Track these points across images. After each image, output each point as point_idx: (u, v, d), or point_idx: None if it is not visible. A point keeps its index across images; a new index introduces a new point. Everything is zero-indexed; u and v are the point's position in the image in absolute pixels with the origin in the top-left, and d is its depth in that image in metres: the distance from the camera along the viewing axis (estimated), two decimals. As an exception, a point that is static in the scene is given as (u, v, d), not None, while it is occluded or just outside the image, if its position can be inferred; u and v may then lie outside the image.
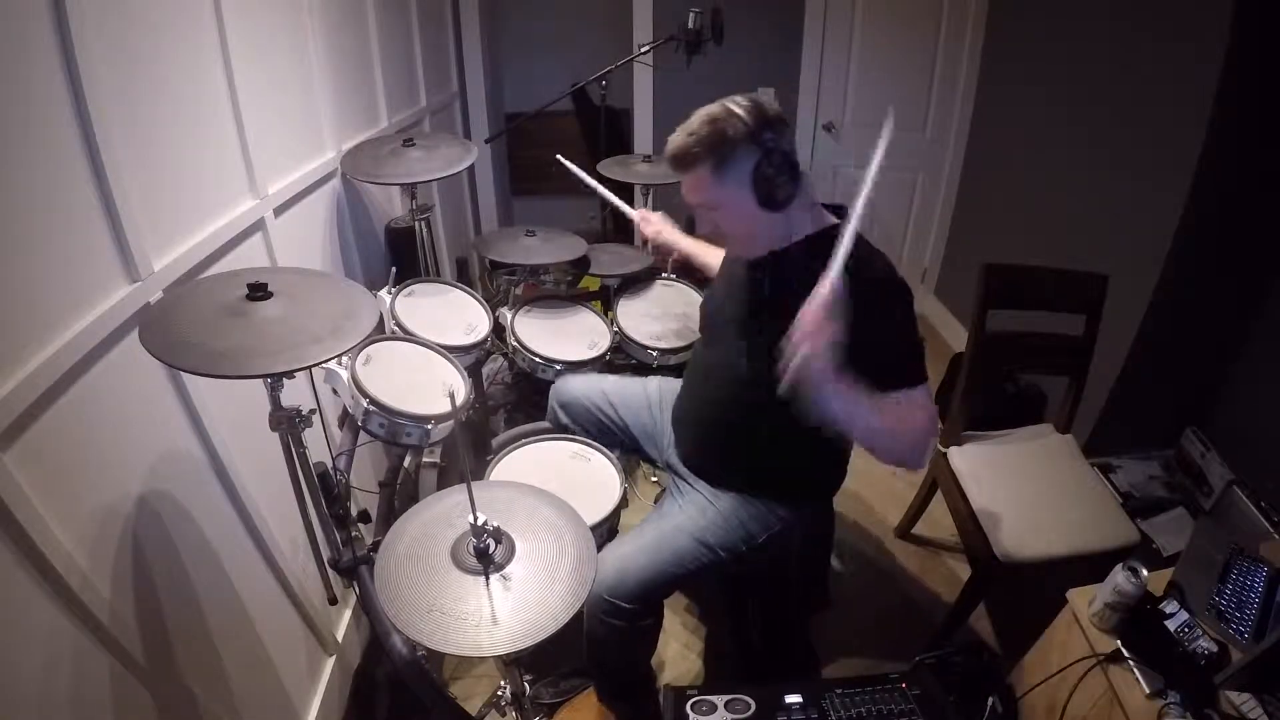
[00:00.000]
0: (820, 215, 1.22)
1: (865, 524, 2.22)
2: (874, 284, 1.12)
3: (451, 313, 1.73)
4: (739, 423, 1.32)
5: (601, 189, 1.88)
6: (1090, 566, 1.40)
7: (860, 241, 1.18)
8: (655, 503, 1.55)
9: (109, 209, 0.96)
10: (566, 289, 2.21)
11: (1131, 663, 1.17)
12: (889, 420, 1.08)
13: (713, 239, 1.20)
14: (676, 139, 1.12)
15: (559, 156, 1.95)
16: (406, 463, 1.77)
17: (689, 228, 2.39)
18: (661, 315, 1.93)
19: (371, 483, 1.65)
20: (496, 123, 3.54)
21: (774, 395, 1.08)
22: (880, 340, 1.11)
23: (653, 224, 1.75)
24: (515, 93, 3.91)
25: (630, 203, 1.91)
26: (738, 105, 1.09)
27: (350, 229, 1.90)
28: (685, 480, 1.44)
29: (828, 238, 1.18)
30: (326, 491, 1.16)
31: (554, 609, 0.87)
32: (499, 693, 1.25)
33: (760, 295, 1.24)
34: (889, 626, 1.88)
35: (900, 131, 3.73)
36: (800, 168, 1.12)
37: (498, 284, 2.09)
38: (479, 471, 1.47)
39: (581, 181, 1.88)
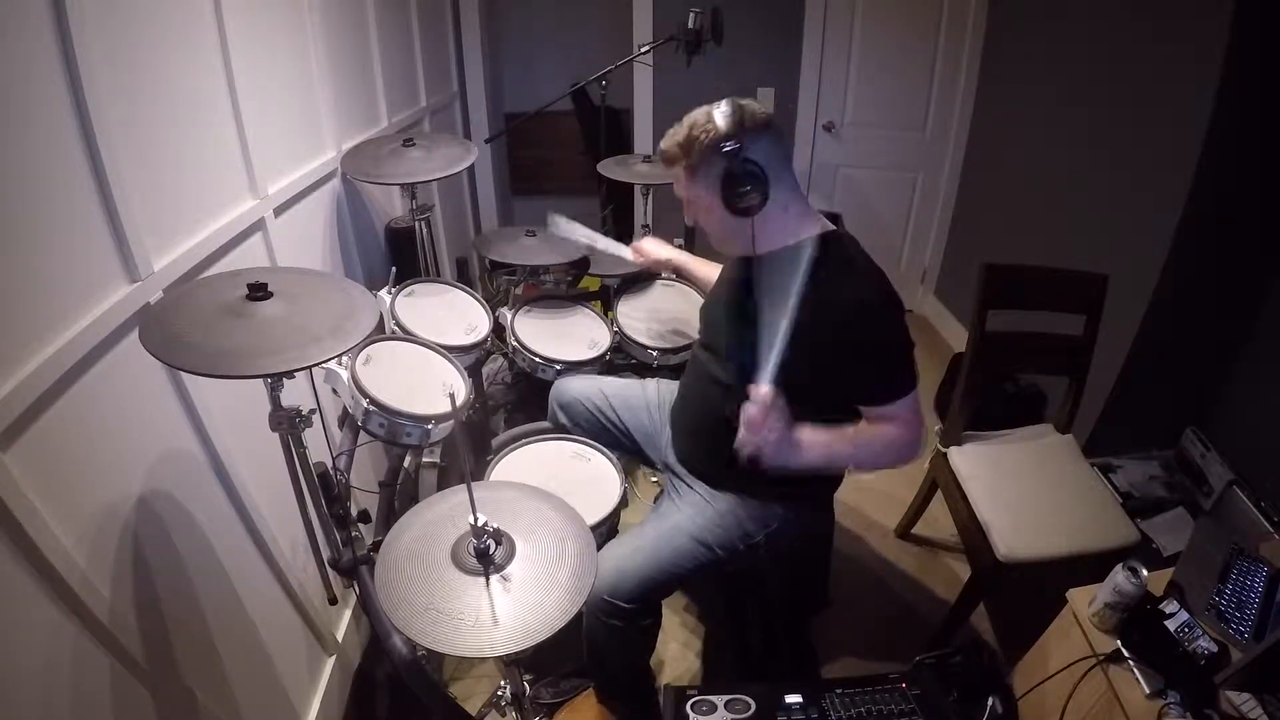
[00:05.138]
0: (810, 223, 1.23)
1: (865, 524, 2.22)
2: (860, 306, 1.15)
3: (451, 313, 1.73)
4: (734, 422, 1.32)
5: (591, 241, 1.80)
6: (1090, 566, 1.40)
7: (849, 257, 1.20)
8: (654, 503, 1.55)
9: (109, 209, 0.96)
10: (566, 289, 2.21)
11: (1131, 663, 1.17)
12: (861, 448, 1.20)
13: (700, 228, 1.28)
14: (665, 139, 1.21)
15: (554, 217, 1.84)
16: (406, 463, 1.77)
17: (689, 231, 2.40)
18: (662, 315, 1.93)
19: (371, 483, 1.65)
20: (496, 123, 3.54)
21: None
22: (865, 361, 1.17)
23: (644, 252, 1.74)
24: (515, 93, 3.91)
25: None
26: (719, 112, 1.13)
27: (350, 229, 1.90)
28: (683, 480, 1.44)
29: (815, 243, 1.20)
30: (326, 491, 1.16)
31: (554, 610, 0.87)
32: (499, 693, 1.25)
33: (749, 298, 1.26)
34: (889, 626, 1.88)
35: (900, 131, 3.73)
36: (773, 177, 1.13)
37: (498, 284, 2.09)
38: (479, 471, 1.47)
39: (573, 239, 1.81)
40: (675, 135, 1.18)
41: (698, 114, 1.16)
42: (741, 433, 1.11)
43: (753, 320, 1.24)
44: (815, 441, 1.16)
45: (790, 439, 1.13)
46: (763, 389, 1.08)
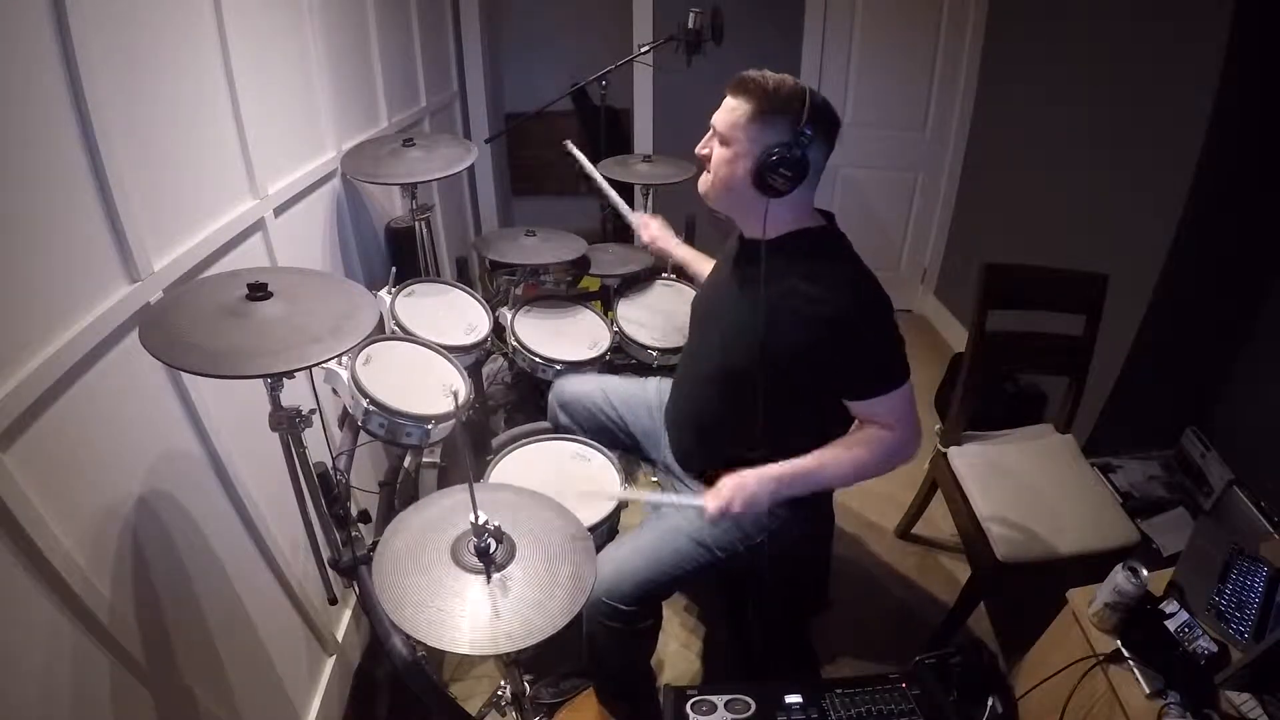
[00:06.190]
0: (807, 217, 1.23)
1: (865, 524, 2.22)
2: (849, 302, 1.15)
3: (451, 313, 1.73)
4: (729, 418, 1.32)
5: (606, 186, 1.89)
6: (1090, 566, 1.40)
7: (837, 253, 1.20)
8: (655, 503, 1.55)
9: (109, 209, 0.96)
10: (566, 289, 2.21)
11: (1131, 663, 1.17)
12: (854, 453, 1.20)
13: (702, 164, 1.25)
14: (756, 71, 1.15)
15: (568, 142, 1.95)
16: (406, 463, 1.77)
17: (689, 230, 2.40)
18: (662, 315, 1.93)
19: (371, 483, 1.65)
20: (496, 123, 3.54)
21: (759, 388, 1.18)
22: (855, 355, 1.16)
23: (651, 229, 1.75)
24: (515, 93, 3.91)
25: (630, 203, 1.91)
26: (815, 95, 1.12)
27: (350, 229, 1.90)
28: (682, 482, 1.44)
29: (807, 236, 1.21)
30: (326, 491, 1.16)
31: (553, 611, 0.87)
32: (499, 693, 1.25)
33: (739, 292, 1.26)
34: (889, 626, 1.88)
35: (900, 131, 3.72)
36: (808, 179, 1.13)
37: (498, 284, 2.09)
38: (479, 472, 1.47)
39: (585, 175, 1.89)
40: (767, 78, 1.13)
41: (797, 82, 1.14)
42: (714, 513, 1.16)
43: (741, 314, 1.24)
44: (799, 468, 1.18)
45: (763, 483, 1.16)
46: (712, 505, 1.15)
